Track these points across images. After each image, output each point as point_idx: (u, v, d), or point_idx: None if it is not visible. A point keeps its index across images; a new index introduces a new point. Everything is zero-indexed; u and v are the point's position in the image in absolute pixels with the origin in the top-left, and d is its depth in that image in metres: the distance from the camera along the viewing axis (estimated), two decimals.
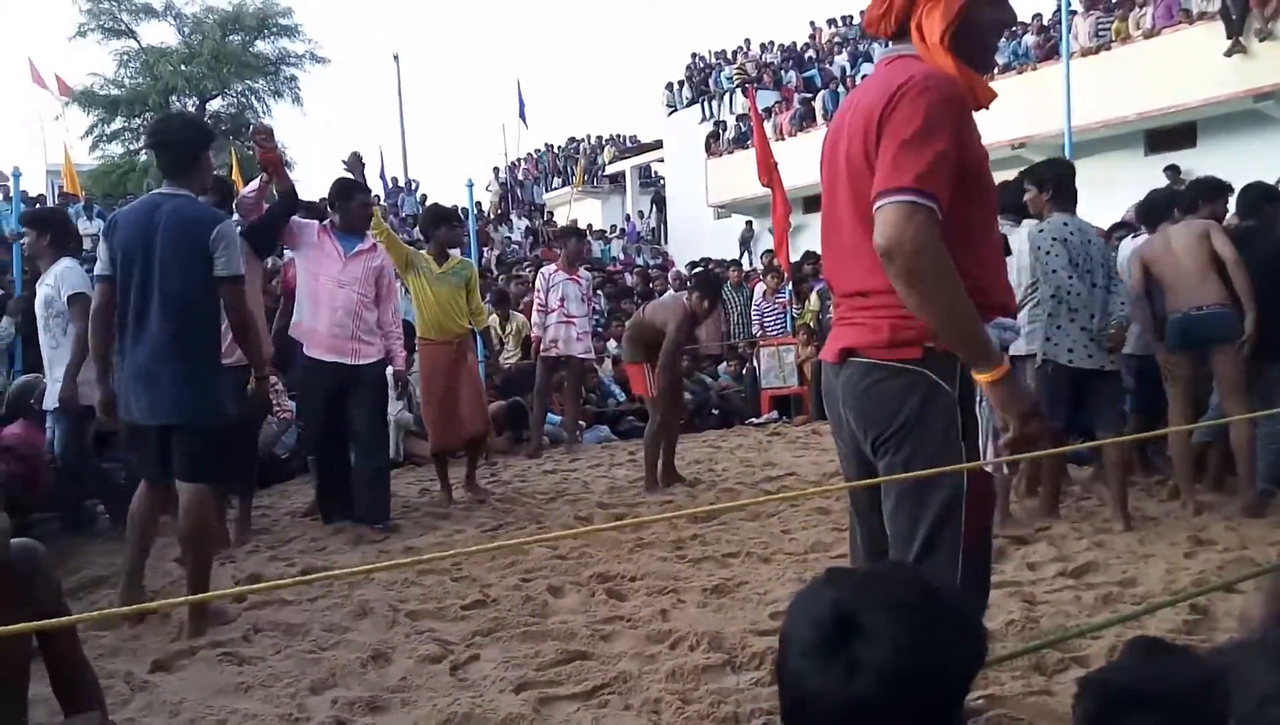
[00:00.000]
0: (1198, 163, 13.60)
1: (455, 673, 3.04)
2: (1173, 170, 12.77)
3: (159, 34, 28.25)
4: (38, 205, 16.76)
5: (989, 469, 2.04)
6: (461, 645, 3.27)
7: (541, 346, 7.80)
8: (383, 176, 25.72)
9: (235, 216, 4.57)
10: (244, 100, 29.33)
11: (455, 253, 6.28)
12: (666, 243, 24.52)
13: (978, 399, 1.99)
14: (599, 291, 13.66)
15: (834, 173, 2.06)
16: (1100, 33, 15.05)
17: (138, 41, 27.79)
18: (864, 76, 2.25)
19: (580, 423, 8.49)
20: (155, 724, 2.70)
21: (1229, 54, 13.09)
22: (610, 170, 28.60)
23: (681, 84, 25.20)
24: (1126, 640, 1.18)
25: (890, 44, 2.07)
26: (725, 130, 22.34)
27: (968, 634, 1.09)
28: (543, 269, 8.34)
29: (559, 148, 30.89)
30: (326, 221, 5.19)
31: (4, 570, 2.03)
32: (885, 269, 1.84)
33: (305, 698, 2.88)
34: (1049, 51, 14.98)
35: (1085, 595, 3.51)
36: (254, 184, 4.98)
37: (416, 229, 18.41)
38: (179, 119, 3.99)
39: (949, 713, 1.06)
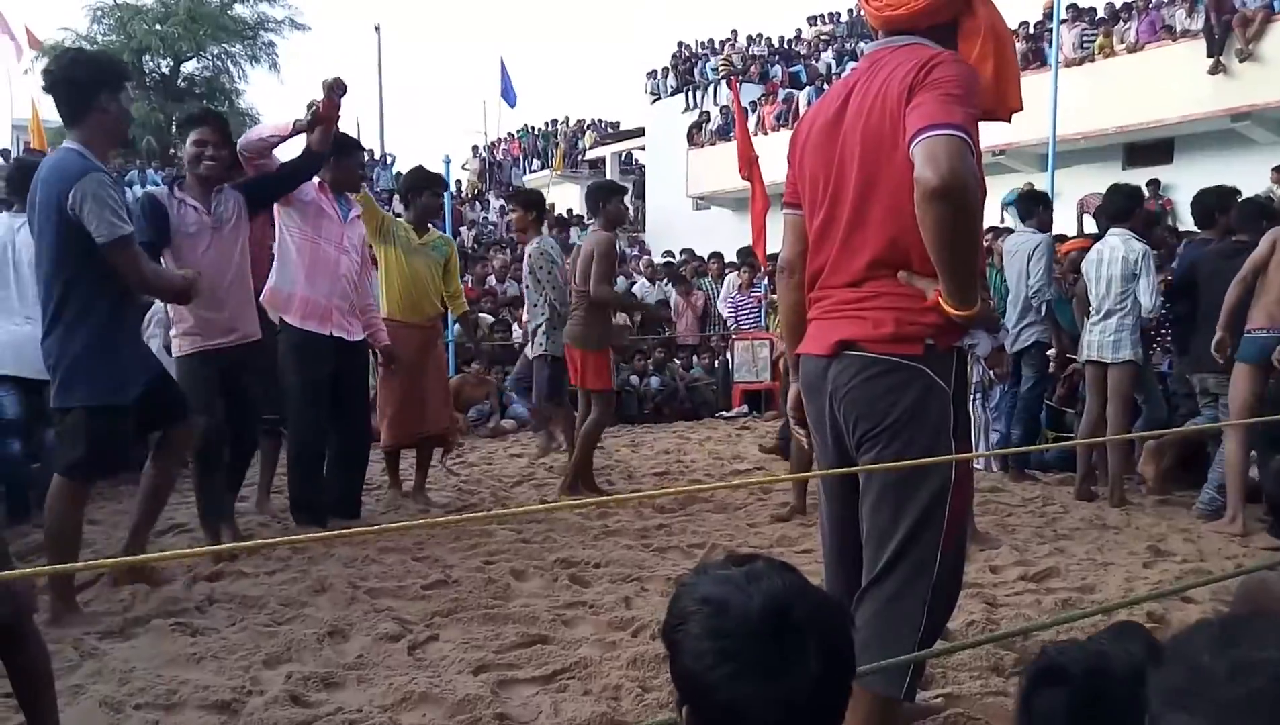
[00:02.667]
0: (1173, 179, 13.80)
1: (413, 652, 3.00)
2: (1154, 184, 12.91)
3: None
4: (1, 158, 16.39)
5: (978, 465, 2.06)
6: (420, 625, 3.23)
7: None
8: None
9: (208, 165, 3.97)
10: (219, 64, 28.82)
11: (433, 226, 5.61)
12: (644, 232, 24.46)
13: (970, 397, 1.99)
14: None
15: (837, 157, 2.03)
16: (1084, 44, 15.18)
17: None
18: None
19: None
20: (103, 691, 2.63)
21: (1212, 72, 13.26)
22: (590, 155, 28.48)
23: (666, 72, 25.10)
24: (1111, 624, 1.20)
25: (896, 35, 2.04)
26: (708, 121, 22.28)
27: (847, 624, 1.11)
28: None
29: (538, 129, 30.70)
30: (319, 180, 4.55)
31: None
32: (929, 200, 1.75)
33: (259, 671, 2.83)
34: (1032, 60, 15.08)
35: (1045, 600, 3.54)
36: (281, 125, 4.30)
37: (393, 202, 18.22)
38: (71, 55, 3.27)
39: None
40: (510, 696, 2.68)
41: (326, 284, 4.46)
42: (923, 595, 1.93)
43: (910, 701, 2.11)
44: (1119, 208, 5.27)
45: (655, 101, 25.12)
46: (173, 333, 4.13)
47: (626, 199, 7.34)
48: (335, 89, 4.12)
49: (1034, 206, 5.91)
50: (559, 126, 30.42)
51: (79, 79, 3.12)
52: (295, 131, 4.23)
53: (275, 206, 4.37)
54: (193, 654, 2.94)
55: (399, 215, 5.44)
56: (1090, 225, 9.48)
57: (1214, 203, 5.24)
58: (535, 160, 29.69)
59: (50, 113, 24.33)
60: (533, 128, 30.85)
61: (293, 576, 3.73)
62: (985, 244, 7.05)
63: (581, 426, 5.45)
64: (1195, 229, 5.91)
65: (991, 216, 7.35)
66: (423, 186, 5.19)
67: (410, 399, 5.06)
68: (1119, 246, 5.13)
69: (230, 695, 2.62)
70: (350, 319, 4.56)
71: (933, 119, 1.78)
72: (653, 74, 25.38)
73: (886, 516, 1.96)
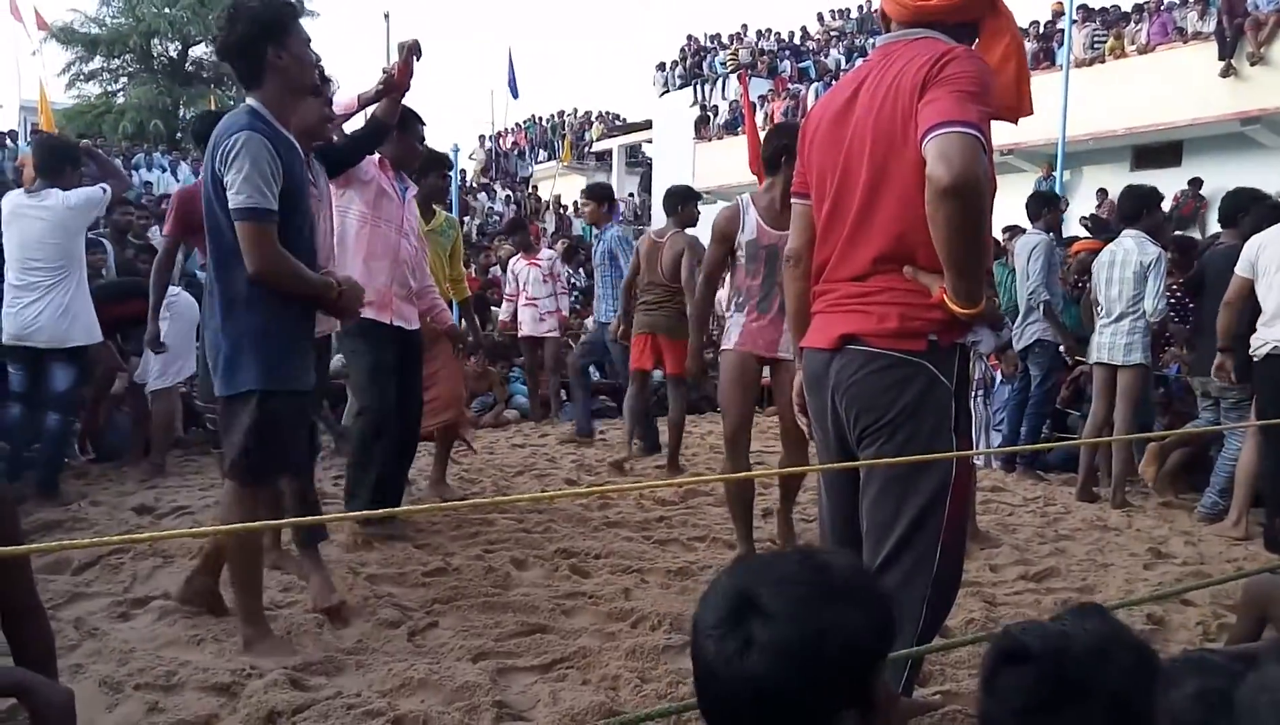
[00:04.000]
0: (1182, 182, 13.75)
1: (413, 638, 3.01)
2: (1196, 182, 12.81)
3: None
4: (8, 139, 16.40)
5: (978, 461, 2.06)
6: (420, 612, 3.23)
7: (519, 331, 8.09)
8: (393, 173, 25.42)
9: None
10: None
11: (438, 209, 5.30)
12: (650, 225, 24.44)
13: (972, 393, 2.00)
14: (581, 269, 13.58)
15: (846, 149, 2.02)
16: (1095, 45, 15.13)
17: None
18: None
19: (562, 399, 8.45)
20: (104, 671, 2.64)
21: (1223, 75, 13.20)
22: (597, 147, 28.43)
23: (674, 65, 25.05)
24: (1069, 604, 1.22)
25: (907, 29, 2.03)
26: (716, 116, 22.24)
27: (867, 608, 1.09)
28: (510, 264, 8.35)
29: (545, 120, 30.66)
30: (379, 156, 4.14)
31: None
32: (940, 198, 1.76)
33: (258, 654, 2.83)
34: (1042, 60, 15.04)
35: (1045, 599, 3.54)
36: (346, 100, 3.98)
37: None
38: (229, 13, 2.75)
39: (859, 689, 1.06)
40: (509, 684, 2.68)
41: (386, 270, 4.08)
42: (922, 590, 1.93)
43: (908, 697, 2.11)
44: (1132, 209, 5.26)
45: (663, 95, 25.08)
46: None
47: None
48: (413, 51, 3.71)
49: (1041, 207, 5.90)
50: (566, 118, 30.37)
51: (239, 41, 2.72)
52: (361, 106, 3.92)
53: (332, 186, 3.94)
54: (193, 636, 2.94)
55: None
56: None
57: (1239, 204, 5.21)
58: (542, 151, 29.65)
59: (57, 94, 24.15)
60: (540, 119, 30.81)
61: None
62: (1002, 243, 7.05)
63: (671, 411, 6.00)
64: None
65: (1013, 215, 7.31)
66: (429, 167, 4.84)
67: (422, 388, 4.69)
68: (1133, 249, 5.12)
69: (229, 678, 2.62)
70: (409, 306, 4.24)
71: (946, 116, 1.77)
72: (661, 67, 25.33)
73: (887, 511, 1.97)
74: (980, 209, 1.79)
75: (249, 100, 2.76)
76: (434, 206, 5.08)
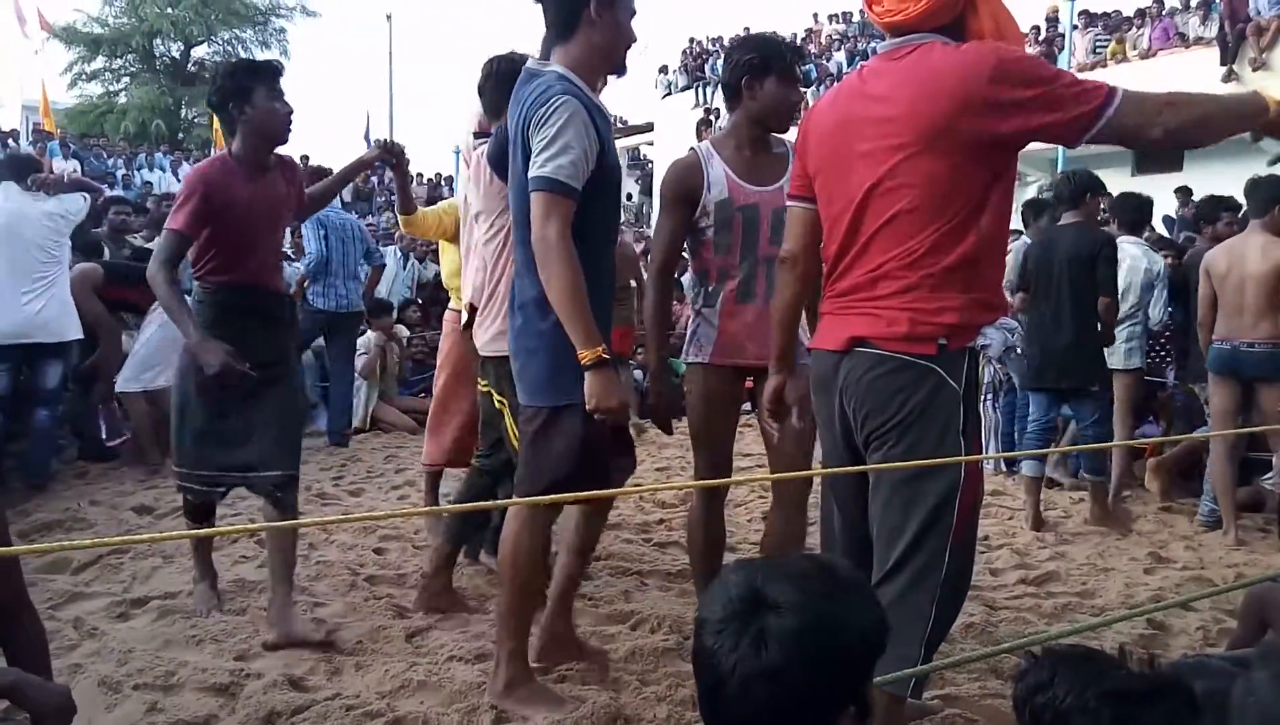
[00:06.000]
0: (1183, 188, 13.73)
1: (411, 640, 3.01)
2: (1184, 191, 12.79)
3: None
4: (10, 139, 16.42)
5: (988, 465, 2.06)
6: (420, 613, 3.23)
7: None
8: (368, 139, 25.43)
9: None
10: (230, 49, 28.86)
11: None
12: (649, 227, 24.45)
13: (982, 397, 2.00)
14: None
15: (854, 152, 2.02)
16: (1097, 49, 15.14)
17: None
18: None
19: None
20: (103, 671, 2.64)
21: (1225, 80, 13.21)
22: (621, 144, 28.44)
23: (677, 68, 25.07)
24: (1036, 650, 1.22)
25: (904, 35, 2.03)
26: (718, 118, 22.24)
27: (869, 606, 1.12)
28: None
29: None
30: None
31: None
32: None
33: (257, 654, 2.83)
34: None
35: (1045, 604, 3.53)
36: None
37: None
38: None
39: (858, 687, 1.08)
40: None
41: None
42: (931, 593, 1.93)
43: (916, 699, 2.11)
44: (1134, 219, 5.26)
45: (665, 97, 25.09)
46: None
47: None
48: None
49: (1032, 216, 5.86)
50: None
51: None
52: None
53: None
54: (192, 636, 2.95)
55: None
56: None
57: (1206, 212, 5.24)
58: None
59: (59, 94, 24.24)
60: None
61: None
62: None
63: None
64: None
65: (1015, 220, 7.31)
66: None
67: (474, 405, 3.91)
68: (1140, 257, 5.14)
69: (228, 678, 2.62)
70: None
71: (1088, 116, 1.83)
72: (663, 70, 25.34)
73: (895, 515, 1.97)
74: None
75: (554, 63, 2.37)
76: None
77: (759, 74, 2.69)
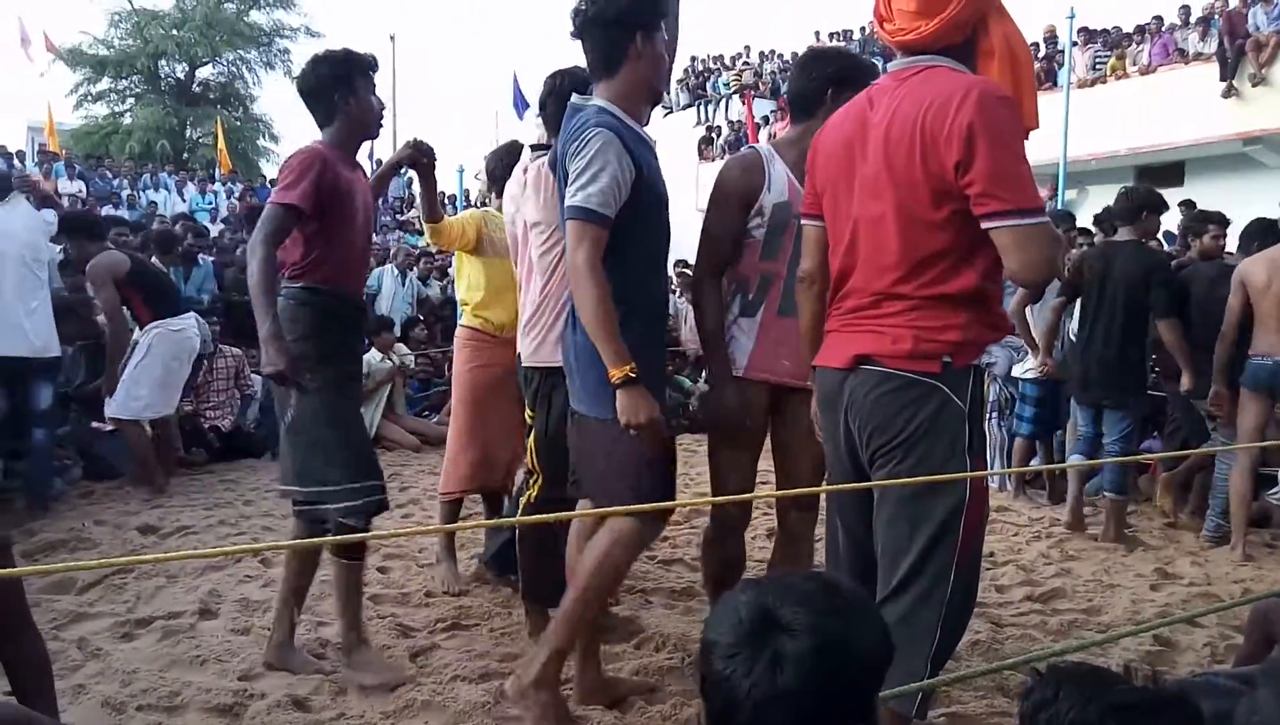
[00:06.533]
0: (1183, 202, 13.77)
1: (415, 659, 3.00)
2: (1188, 205, 12.80)
3: None
4: (16, 160, 16.49)
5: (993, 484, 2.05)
6: (424, 633, 3.22)
7: None
8: (371, 158, 25.56)
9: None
10: (234, 70, 29.07)
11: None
12: None
13: (987, 415, 2.00)
14: None
15: (859, 173, 2.04)
16: (1097, 66, 15.20)
17: (130, 2, 27.43)
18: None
19: None
20: (107, 691, 2.64)
21: (1225, 96, 13.26)
22: None
23: (678, 87, 25.18)
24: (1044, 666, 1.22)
25: (915, 55, 2.04)
26: (719, 136, 22.34)
27: (875, 624, 1.13)
28: None
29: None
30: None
31: None
32: (1028, 285, 2.00)
33: (261, 675, 2.82)
34: (1044, 80, 15.11)
35: (1051, 620, 3.52)
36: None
37: (405, 210, 18.22)
38: None
39: (868, 705, 1.09)
40: (509, 708, 2.66)
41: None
42: (937, 612, 1.93)
43: (922, 719, 2.10)
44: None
45: (666, 115, 25.19)
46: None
47: None
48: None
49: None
50: None
51: (611, 17, 2.41)
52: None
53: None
54: (196, 656, 2.94)
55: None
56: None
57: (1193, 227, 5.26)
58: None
59: (65, 115, 24.25)
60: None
61: None
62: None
63: None
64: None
65: None
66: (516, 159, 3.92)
67: (496, 432, 3.85)
68: None
69: (232, 699, 2.62)
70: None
71: (1016, 202, 1.83)
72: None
73: (901, 532, 1.96)
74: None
75: (597, 98, 2.45)
76: None
77: (844, 87, 2.57)
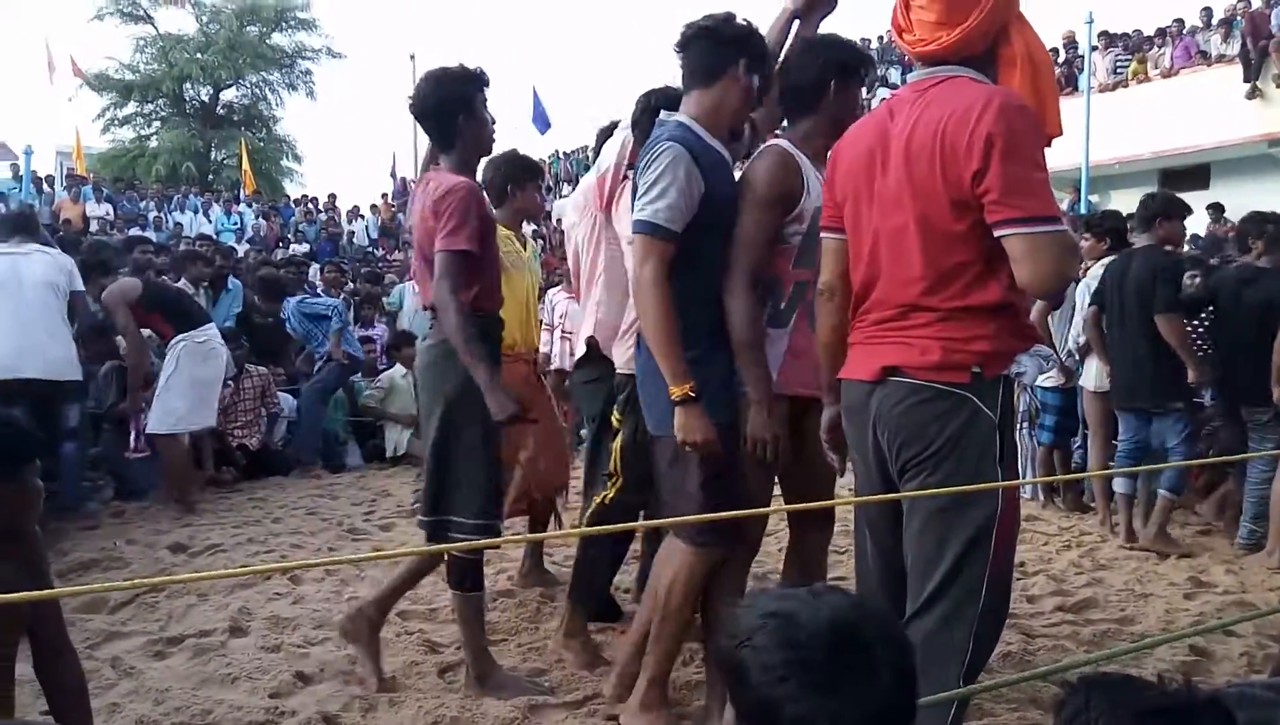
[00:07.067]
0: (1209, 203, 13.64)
1: (444, 675, 3.01)
2: (1216, 208, 12.67)
3: (177, 21, 28.35)
4: (45, 184, 16.78)
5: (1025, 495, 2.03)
6: (451, 648, 3.23)
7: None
8: (393, 175, 25.78)
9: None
10: (258, 91, 29.45)
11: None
12: None
13: (1017, 425, 1.98)
14: None
15: (881, 184, 2.03)
16: (1118, 70, 15.10)
17: (155, 27, 27.91)
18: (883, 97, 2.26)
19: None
20: (140, 710, 2.66)
21: (1249, 97, 13.14)
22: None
23: (655, 91, 25.13)
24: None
25: (935, 66, 2.04)
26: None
27: (906, 643, 1.10)
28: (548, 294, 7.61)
29: (568, 154, 30.93)
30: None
31: (31, 540, 2.04)
32: (1040, 296, 1.98)
33: (292, 692, 2.84)
34: (1065, 85, 15.03)
35: (1083, 631, 3.48)
36: None
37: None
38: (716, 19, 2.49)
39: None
40: (540, 721, 2.67)
41: (624, 304, 3.24)
42: (969, 625, 1.91)
43: None
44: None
45: None
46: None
47: None
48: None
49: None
50: (587, 149, 30.60)
51: (724, 36, 2.44)
52: None
53: (601, 211, 3.27)
54: (227, 674, 2.96)
55: None
56: None
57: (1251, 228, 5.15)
58: (566, 186, 29.88)
59: (92, 139, 24.59)
60: (563, 154, 31.09)
61: (326, 598, 3.76)
62: None
63: None
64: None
65: None
66: (524, 178, 3.86)
67: (531, 451, 3.78)
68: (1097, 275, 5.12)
69: (264, 716, 2.64)
70: None
71: (1033, 210, 1.83)
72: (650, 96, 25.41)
73: (931, 545, 1.95)
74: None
75: (680, 114, 2.47)
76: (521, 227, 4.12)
77: (848, 76, 2.54)
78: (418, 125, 2.99)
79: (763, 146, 2.49)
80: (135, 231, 12.31)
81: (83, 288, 5.01)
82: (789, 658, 0.98)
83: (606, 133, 3.43)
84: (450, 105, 2.78)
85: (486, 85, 2.87)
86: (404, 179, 26.91)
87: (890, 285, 2.02)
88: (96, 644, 3.20)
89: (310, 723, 2.61)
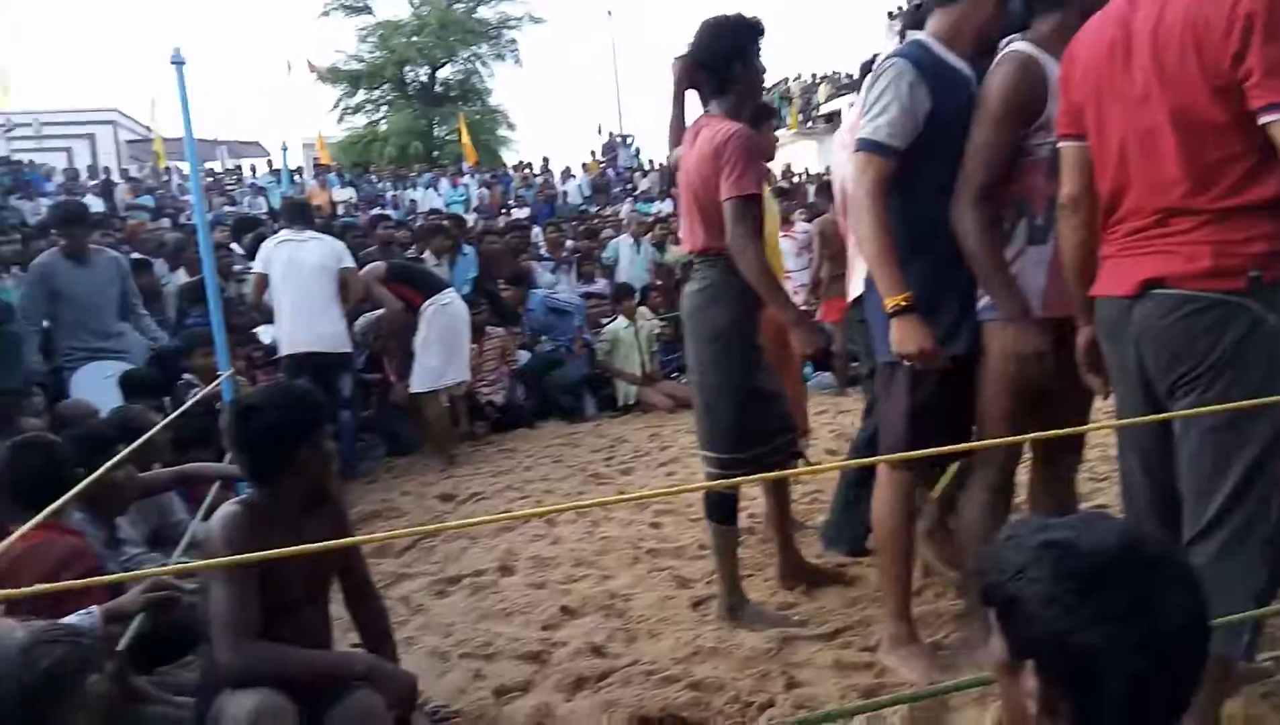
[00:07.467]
0: None
1: (696, 608, 3.14)
2: None
3: (392, 8, 30.10)
4: (297, 175, 18.47)
5: None
6: (701, 583, 3.35)
7: None
8: (601, 131, 26.33)
9: None
10: (470, 66, 30.82)
11: None
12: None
13: None
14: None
15: (1127, 81, 1.88)
16: None
17: (373, 16, 29.79)
18: None
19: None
20: (432, 641, 2.98)
21: None
22: (825, 109, 27.73)
23: (905, 10, 23.89)
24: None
25: None
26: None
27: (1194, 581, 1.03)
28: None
29: (768, 90, 30.27)
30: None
31: (334, 496, 2.34)
32: None
33: (560, 624, 3.07)
34: None
35: None
36: None
37: (633, 179, 18.66)
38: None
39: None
40: (794, 652, 2.73)
41: None
42: (1256, 549, 1.77)
43: (1249, 661, 1.95)
44: None
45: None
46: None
47: None
48: None
49: None
50: (790, 84, 29.83)
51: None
52: None
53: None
54: (502, 609, 3.25)
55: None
56: None
57: None
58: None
59: (330, 129, 26.51)
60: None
61: (581, 537, 4.01)
62: None
63: None
64: None
65: None
66: (761, 117, 3.71)
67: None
68: None
69: (538, 647, 2.87)
70: None
71: None
72: (892, 15, 24.23)
73: (1208, 466, 1.81)
74: None
75: (924, 32, 2.43)
76: None
77: None
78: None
79: (1002, 53, 2.32)
80: (376, 211, 13.36)
81: (353, 264, 5.62)
82: (1075, 587, 0.95)
83: (868, 66, 3.35)
84: (728, 53, 2.85)
85: (762, 35, 2.90)
86: (611, 133, 27.45)
87: (1145, 190, 1.87)
88: (388, 584, 3.58)
89: (580, 653, 2.81)
